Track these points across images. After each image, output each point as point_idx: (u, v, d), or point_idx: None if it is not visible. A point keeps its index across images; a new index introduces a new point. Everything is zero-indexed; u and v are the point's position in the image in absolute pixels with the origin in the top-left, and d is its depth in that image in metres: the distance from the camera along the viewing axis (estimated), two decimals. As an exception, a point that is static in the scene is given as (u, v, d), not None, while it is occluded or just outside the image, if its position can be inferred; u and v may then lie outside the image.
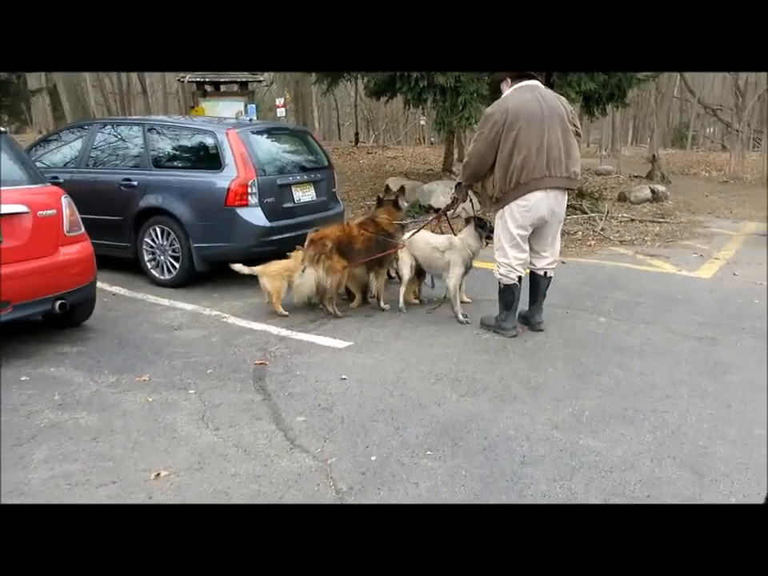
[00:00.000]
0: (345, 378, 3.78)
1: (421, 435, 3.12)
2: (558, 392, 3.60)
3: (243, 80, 14.33)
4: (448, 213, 5.15)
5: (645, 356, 4.16)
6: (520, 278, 4.48)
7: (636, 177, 14.45)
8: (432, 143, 24.85)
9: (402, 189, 5.44)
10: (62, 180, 6.15)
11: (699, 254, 7.44)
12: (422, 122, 28.48)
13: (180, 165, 5.86)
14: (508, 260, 4.41)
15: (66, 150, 6.48)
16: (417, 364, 4.00)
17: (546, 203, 4.27)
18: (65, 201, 4.33)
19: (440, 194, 10.01)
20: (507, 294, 4.50)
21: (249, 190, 5.47)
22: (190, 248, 5.60)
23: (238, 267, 4.96)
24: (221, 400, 3.52)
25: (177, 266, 5.74)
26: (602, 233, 8.60)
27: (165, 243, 5.77)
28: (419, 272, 5.19)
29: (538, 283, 4.61)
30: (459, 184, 4.77)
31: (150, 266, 5.92)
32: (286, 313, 4.91)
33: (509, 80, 4.35)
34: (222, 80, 14.26)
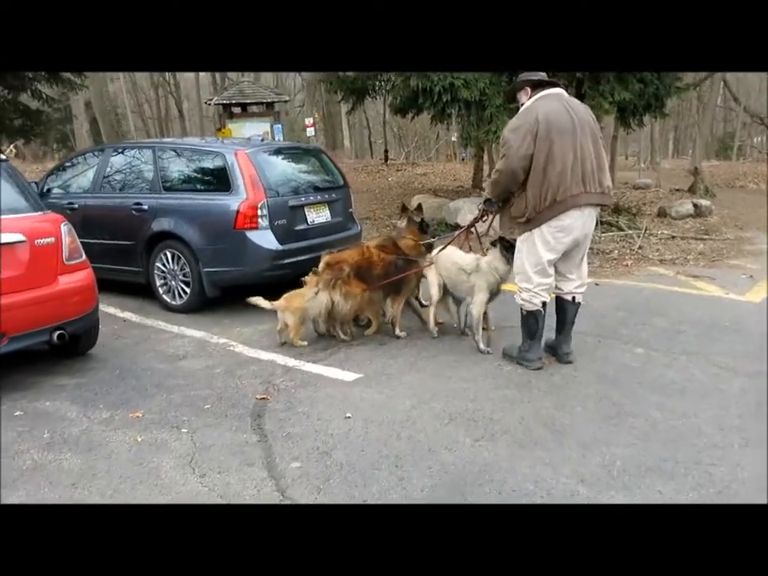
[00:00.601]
0: (349, 417, 3.46)
1: (426, 488, 2.77)
2: (586, 437, 3.21)
3: (269, 101, 14.33)
4: (477, 228, 4.78)
5: (687, 395, 3.71)
6: (544, 303, 4.11)
7: (677, 190, 13.80)
8: (463, 159, 24.53)
9: (419, 207, 5.12)
10: (77, 206, 6.12)
11: (748, 274, 6.85)
12: (453, 138, 28.21)
13: (189, 187, 5.68)
14: (531, 285, 4.05)
15: (81, 176, 6.41)
16: (430, 400, 3.66)
17: (580, 223, 3.92)
18: (64, 228, 4.17)
19: (467, 211, 9.66)
20: (530, 321, 4.13)
21: (259, 212, 5.25)
22: (200, 273, 5.41)
23: (256, 300, 4.69)
24: (213, 440, 3.25)
25: (188, 291, 5.55)
26: (639, 251, 8.11)
27: (176, 268, 5.59)
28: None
29: (565, 310, 4.23)
30: (489, 200, 4.30)
31: (161, 291, 5.75)
32: (304, 343, 4.65)
33: (528, 89, 4.00)
34: (248, 101, 14.29)
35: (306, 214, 5.66)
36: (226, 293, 5.62)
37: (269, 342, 4.78)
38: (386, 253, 4.66)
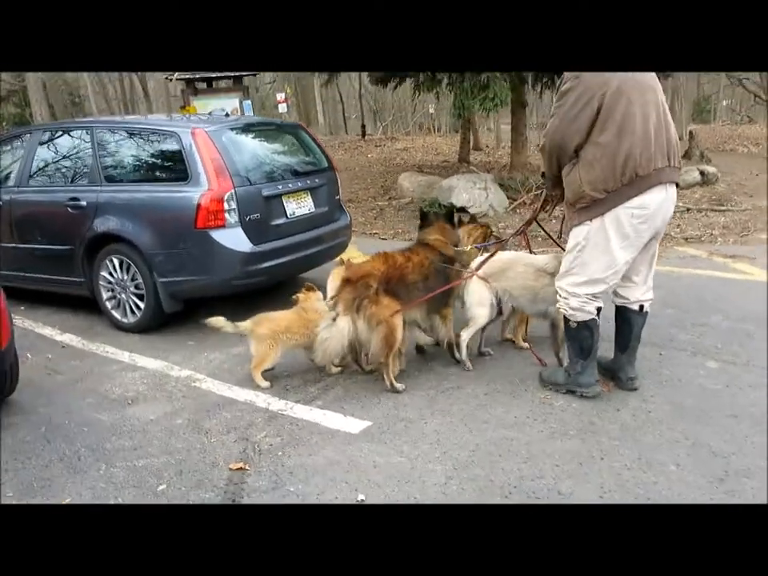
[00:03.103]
0: (362, 501, 2.49)
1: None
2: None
3: (237, 74, 12.99)
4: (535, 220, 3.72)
5: (804, 434, 2.82)
6: (599, 309, 3.15)
7: (673, 157, 12.96)
8: (440, 132, 23.43)
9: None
10: (1, 203, 4.99)
11: (790, 253, 6.02)
12: (431, 110, 27.09)
13: (138, 177, 4.55)
14: (594, 289, 3.05)
15: (6, 165, 5.23)
16: (468, 464, 2.69)
17: (665, 207, 2.95)
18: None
19: (462, 189, 8.69)
20: (582, 334, 3.15)
21: (225, 206, 4.17)
22: (155, 283, 4.34)
23: (216, 322, 3.61)
24: (169, 555, 2.25)
25: (141, 306, 4.48)
26: (659, 229, 7.21)
27: (125, 278, 4.51)
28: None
29: (630, 323, 3.26)
30: (544, 173, 3.32)
31: (109, 306, 4.67)
32: (266, 384, 3.57)
33: None
34: (213, 76, 12.97)
35: (285, 204, 4.59)
36: (189, 306, 4.58)
37: (245, 373, 3.76)
38: (413, 253, 3.56)
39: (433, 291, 3.51)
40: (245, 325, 3.59)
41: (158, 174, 4.51)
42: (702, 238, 6.87)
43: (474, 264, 3.67)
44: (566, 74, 2.92)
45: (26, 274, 5.04)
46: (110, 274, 4.57)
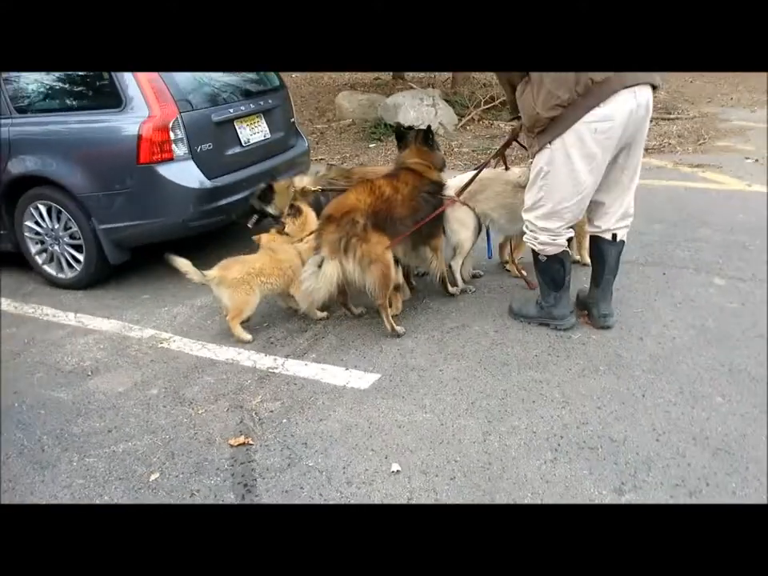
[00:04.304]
0: (398, 471, 2.17)
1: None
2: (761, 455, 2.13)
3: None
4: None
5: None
6: (570, 239, 2.91)
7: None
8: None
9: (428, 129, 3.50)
10: None
11: (753, 157, 5.97)
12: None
13: (57, 106, 3.79)
14: (555, 224, 2.77)
15: None
16: (502, 415, 2.42)
17: (638, 115, 2.55)
18: None
19: (408, 107, 8.15)
20: (553, 267, 2.90)
21: (171, 136, 3.56)
22: (94, 231, 3.72)
23: (181, 264, 3.09)
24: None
25: (80, 258, 3.86)
26: (616, 140, 7.02)
27: (57, 227, 3.85)
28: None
29: (603, 254, 2.95)
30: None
31: (40, 261, 4.01)
32: (248, 337, 3.15)
33: None
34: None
35: (238, 131, 3.99)
36: (138, 254, 3.99)
37: (217, 327, 3.31)
38: (401, 182, 3.12)
39: (420, 222, 3.14)
40: (212, 273, 3.10)
41: (82, 100, 3.76)
42: (662, 149, 6.74)
43: (449, 188, 3.32)
44: None
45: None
46: (37, 223, 3.89)
